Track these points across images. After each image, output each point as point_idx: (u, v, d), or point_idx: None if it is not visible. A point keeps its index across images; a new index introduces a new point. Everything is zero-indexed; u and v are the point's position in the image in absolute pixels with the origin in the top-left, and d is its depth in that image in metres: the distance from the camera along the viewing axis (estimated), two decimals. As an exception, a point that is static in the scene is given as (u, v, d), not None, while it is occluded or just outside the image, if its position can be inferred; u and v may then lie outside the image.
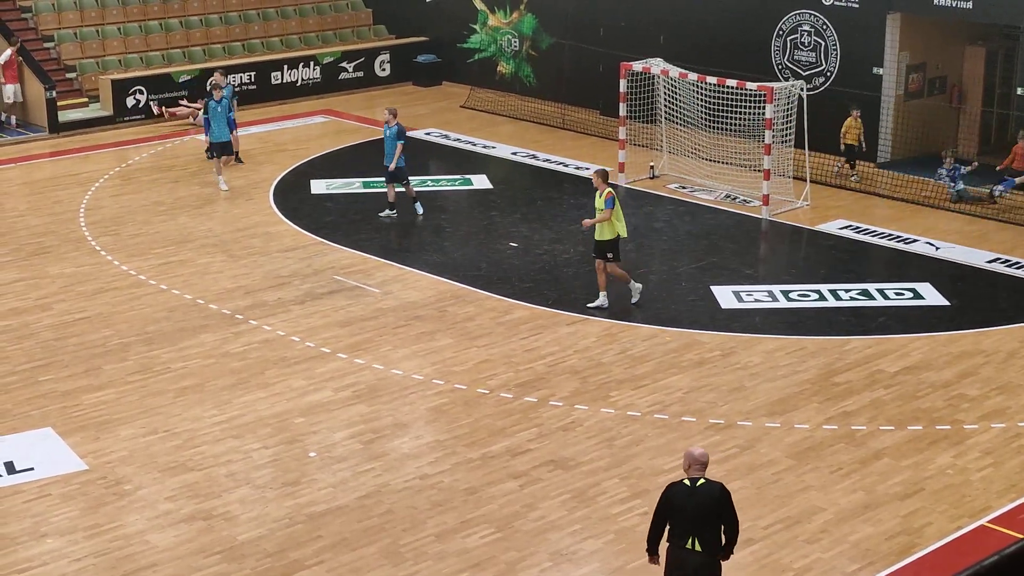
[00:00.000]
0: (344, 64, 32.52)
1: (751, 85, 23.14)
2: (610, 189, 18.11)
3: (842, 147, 24.60)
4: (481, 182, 24.96)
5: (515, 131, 28.81)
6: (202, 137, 28.22)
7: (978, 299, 19.07)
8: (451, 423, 15.01)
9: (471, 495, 13.38)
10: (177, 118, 29.03)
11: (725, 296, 18.96)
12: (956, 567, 12.05)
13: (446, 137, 28.04)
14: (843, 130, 24.49)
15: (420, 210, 22.55)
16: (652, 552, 10.61)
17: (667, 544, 10.44)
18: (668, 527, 10.39)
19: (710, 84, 23.85)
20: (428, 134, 28.30)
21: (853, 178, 24.50)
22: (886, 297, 18.95)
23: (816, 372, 16.37)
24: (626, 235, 18.51)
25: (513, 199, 24.09)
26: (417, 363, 16.66)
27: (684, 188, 24.33)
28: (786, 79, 25.93)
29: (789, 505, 13.16)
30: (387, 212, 22.44)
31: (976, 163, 23.79)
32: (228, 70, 30.84)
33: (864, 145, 24.60)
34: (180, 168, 26.02)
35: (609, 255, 18.22)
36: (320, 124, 29.70)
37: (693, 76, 24.01)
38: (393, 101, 31.83)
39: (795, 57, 26.28)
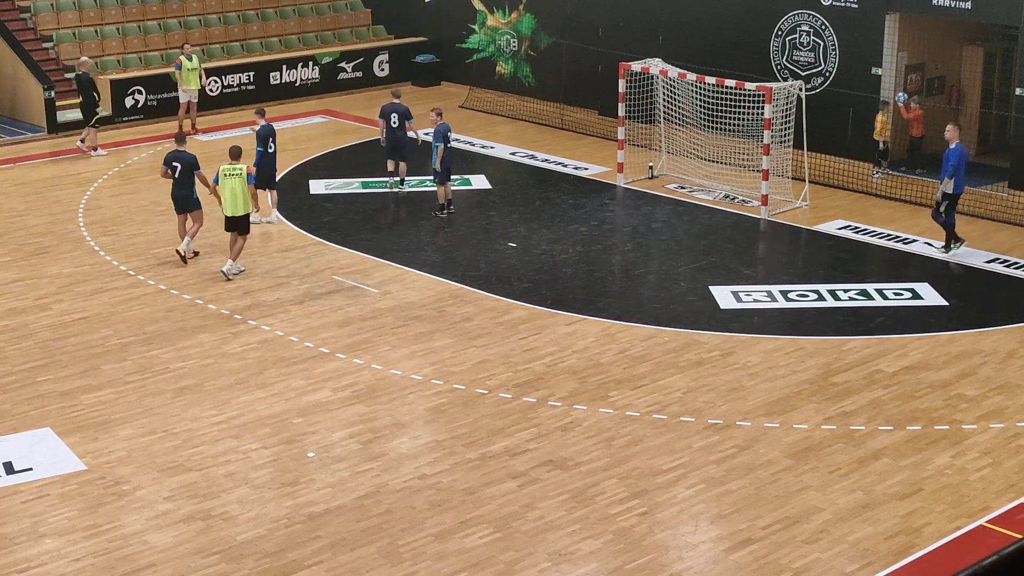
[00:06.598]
0: (343, 64, 32.53)
1: (750, 85, 23.14)
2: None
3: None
4: (480, 182, 24.97)
5: (514, 131, 28.83)
6: (202, 138, 28.24)
7: (977, 299, 19.07)
8: (450, 423, 15.00)
9: (470, 495, 13.37)
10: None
11: (724, 296, 18.96)
12: (955, 567, 12.05)
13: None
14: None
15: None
16: None
17: None
18: None
19: (709, 84, 23.86)
20: (427, 134, 28.26)
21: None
22: (885, 297, 18.95)
23: (815, 372, 16.37)
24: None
25: (512, 199, 24.10)
26: (416, 363, 16.65)
27: (683, 188, 24.33)
28: (785, 79, 25.93)
29: (788, 505, 13.16)
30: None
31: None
32: (226, 70, 30.92)
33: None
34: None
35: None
36: (319, 124, 29.71)
37: (692, 76, 24.01)
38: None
39: (794, 57, 26.29)
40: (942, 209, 20.45)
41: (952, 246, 20.64)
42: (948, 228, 20.58)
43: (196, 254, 20.63)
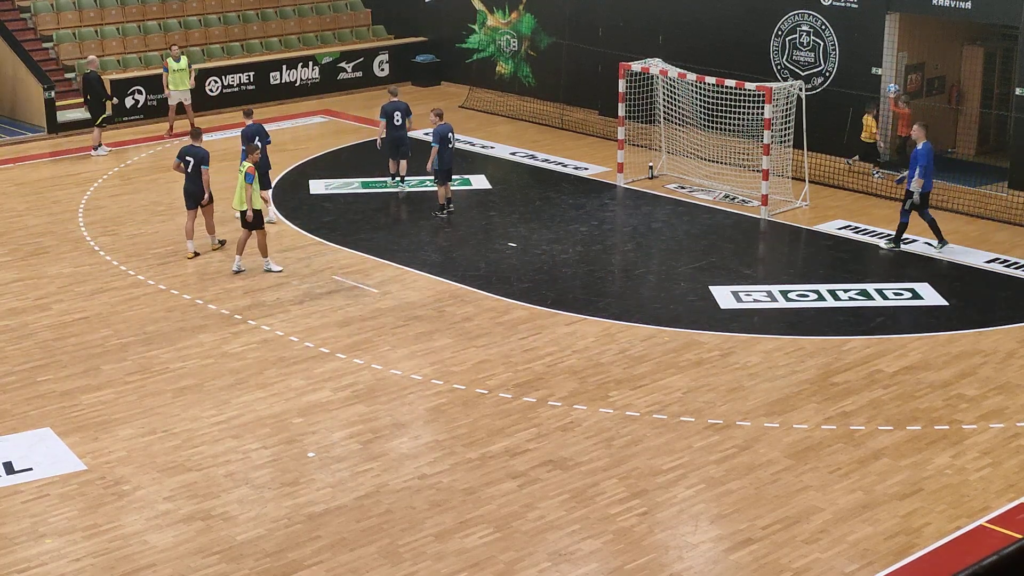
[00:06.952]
0: (343, 64, 32.52)
1: (750, 85, 23.13)
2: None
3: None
4: (480, 182, 24.97)
5: (514, 131, 28.82)
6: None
7: (977, 299, 19.07)
8: (450, 423, 15.00)
9: (470, 495, 13.37)
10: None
11: (724, 296, 18.96)
12: (955, 567, 12.05)
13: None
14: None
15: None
16: None
17: None
18: None
19: (709, 84, 23.85)
20: (427, 134, 28.26)
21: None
22: (885, 297, 18.95)
23: (815, 372, 16.37)
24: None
25: (512, 199, 24.10)
26: (416, 363, 16.65)
27: (683, 188, 24.33)
28: (785, 79, 25.93)
29: (788, 505, 13.16)
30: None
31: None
32: (226, 70, 30.91)
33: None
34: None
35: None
36: (319, 124, 29.71)
37: (692, 76, 24.01)
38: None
39: (794, 57, 26.29)
40: (907, 207, 20.54)
41: (897, 244, 20.96)
42: (901, 228, 20.89)
43: (223, 242, 21.06)
